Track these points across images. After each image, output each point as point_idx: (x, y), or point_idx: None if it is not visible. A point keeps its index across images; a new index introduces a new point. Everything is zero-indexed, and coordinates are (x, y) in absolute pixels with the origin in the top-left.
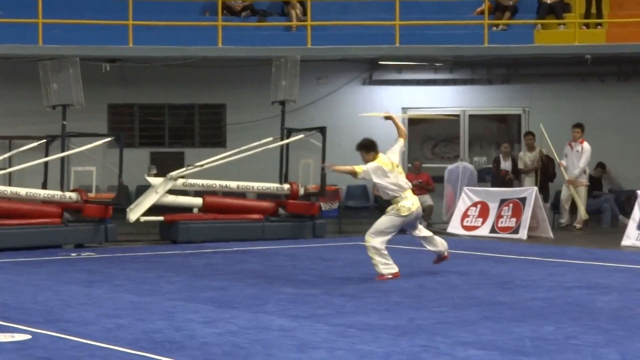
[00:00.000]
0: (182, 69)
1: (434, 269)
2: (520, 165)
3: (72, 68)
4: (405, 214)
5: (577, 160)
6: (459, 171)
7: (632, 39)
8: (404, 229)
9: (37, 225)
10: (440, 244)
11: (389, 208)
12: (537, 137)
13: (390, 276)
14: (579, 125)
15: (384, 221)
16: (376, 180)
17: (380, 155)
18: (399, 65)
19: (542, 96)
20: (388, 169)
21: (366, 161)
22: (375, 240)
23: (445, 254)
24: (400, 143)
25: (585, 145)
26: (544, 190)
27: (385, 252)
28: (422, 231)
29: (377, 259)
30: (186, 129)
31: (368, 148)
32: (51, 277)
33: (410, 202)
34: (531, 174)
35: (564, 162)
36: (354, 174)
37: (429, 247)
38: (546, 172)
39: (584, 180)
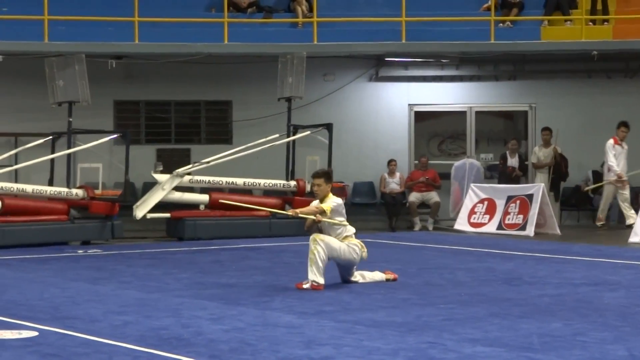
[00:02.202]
0: (188, 65)
1: (442, 266)
2: (534, 160)
3: (78, 65)
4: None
5: (624, 160)
6: (466, 168)
7: (639, 35)
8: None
9: (43, 222)
10: (373, 277)
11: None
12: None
13: (307, 285)
14: (626, 124)
15: (342, 250)
16: (339, 217)
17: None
18: (405, 62)
19: (549, 92)
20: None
21: (324, 191)
22: (319, 247)
23: (391, 277)
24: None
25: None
26: (555, 188)
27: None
28: (356, 277)
29: (314, 270)
30: (192, 126)
31: (329, 178)
32: (58, 274)
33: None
34: (544, 171)
35: (614, 166)
36: (322, 213)
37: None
38: (559, 171)
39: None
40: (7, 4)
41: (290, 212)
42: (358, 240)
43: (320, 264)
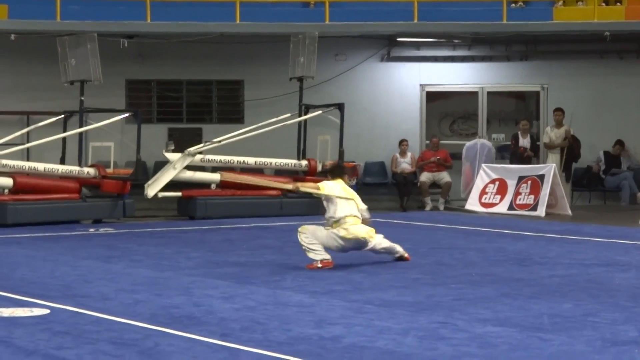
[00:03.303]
0: (200, 45)
1: (453, 246)
2: (546, 140)
3: (90, 44)
4: (342, 235)
5: None
6: (477, 148)
7: None
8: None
9: (55, 200)
10: (396, 247)
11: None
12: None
13: (320, 265)
14: None
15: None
16: (330, 205)
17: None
18: (417, 42)
19: (561, 73)
20: (345, 192)
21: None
22: (305, 237)
23: (405, 254)
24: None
25: None
26: (567, 169)
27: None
28: (377, 245)
29: (308, 248)
30: (204, 105)
31: (332, 173)
32: (69, 252)
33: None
34: (556, 152)
35: None
36: (317, 190)
37: (391, 256)
38: (572, 152)
39: None
40: None
41: (291, 186)
42: (352, 230)
43: (316, 247)
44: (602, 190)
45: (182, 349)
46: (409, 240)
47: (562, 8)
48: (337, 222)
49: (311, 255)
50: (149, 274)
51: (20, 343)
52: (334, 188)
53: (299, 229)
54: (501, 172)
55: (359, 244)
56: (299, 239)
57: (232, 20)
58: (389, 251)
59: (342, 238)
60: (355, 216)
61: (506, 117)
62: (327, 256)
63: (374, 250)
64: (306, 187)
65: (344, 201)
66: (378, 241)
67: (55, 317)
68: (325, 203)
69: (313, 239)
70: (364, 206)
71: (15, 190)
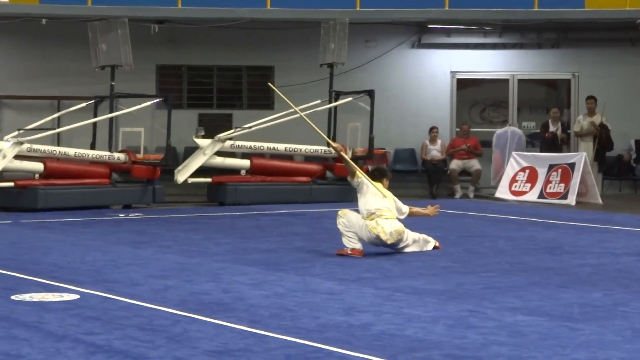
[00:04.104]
0: (231, 30)
1: (482, 234)
2: (577, 129)
3: (121, 29)
4: (371, 228)
5: None
6: (508, 136)
7: None
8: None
9: (85, 185)
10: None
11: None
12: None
13: (349, 252)
14: None
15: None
16: (360, 197)
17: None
18: (448, 29)
19: (592, 61)
20: (379, 191)
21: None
22: (344, 220)
23: (436, 243)
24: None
25: None
26: (600, 158)
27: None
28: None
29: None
30: (234, 91)
31: (374, 176)
32: (99, 237)
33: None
34: (588, 140)
35: None
36: (352, 173)
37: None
38: (604, 140)
39: None
40: None
41: (336, 146)
42: (386, 225)
43: (350, 234)
44: (633, 179)
45: (211, 335)
46: (439, 228)
47: None
48: (369, 214)
49: (344, 240)
50: (179, 259)
51: (51, 328)
52: (369, 183)
53: (339, 212)
54: (531, 160)
55: (385, 241)
56: (337, 221)
57: (263, 6)
58: (420, 247)
59: (370, 231)
60: (388, 209)
61: (537, 104)
62: (358, 245)
63: (401, 250)
64: (348, 161)
65: (378, 195)
66: (408, 242)
67: (85, 302)
68: (358, 195)
69: (349, 225)
70: (405, 208)
71: (46, 175)
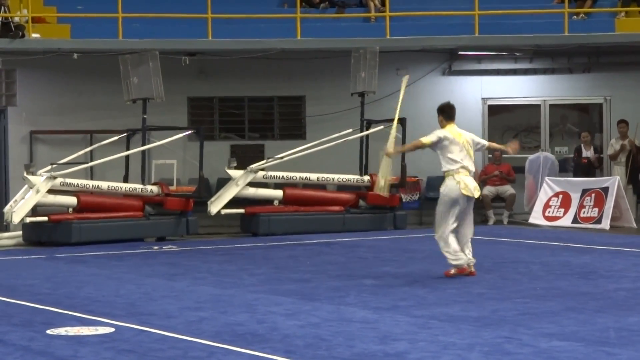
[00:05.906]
0: (261, 61)
1: (517, 260)
2: (610, 152)
3: (152, 62)
4: (448, 192)
5: None
6: (540, 161)
7: None
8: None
9: (119, 218)
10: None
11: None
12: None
13: (452, 271)
14: None
15: (437, 211)
16: (443, 152)
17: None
18: (478, 55)
19: (624, 85)
20: (458, 140)
21: (441, 125)
22: (437, 234)
23: (472, 269)
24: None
25: None
26: (634, 181)
27: (449, 241)
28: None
29: (444, 251)
30: (266, 121)
31: (441, 112)
32: (133, 270)
33: (455, 182)
34: (620, 164)
35: None
36: (421, 147)
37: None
38: (636, 163)
39: None
40: (82, 1)
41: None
42: (459, 179)
43: (447, 249)
44: None
45: None
46: (473, 255)
47: (624, 19)
48: (448, 172)
49: (448, 258)
50: (213, 291)
51: None
52: (441, 134)
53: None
54: (565, 185)
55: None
56: (436, 239)
57: (293, 36)
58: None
59: (451, 190)
60: (465, 167)
61: (569, 129)
62: (461, 261)
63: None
64: (405, 149)
65: (455, 148)
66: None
67: (120, 335)
68: (438, 151)
69: (444, 239)
70: (484, 141)
71: (80, 209)
